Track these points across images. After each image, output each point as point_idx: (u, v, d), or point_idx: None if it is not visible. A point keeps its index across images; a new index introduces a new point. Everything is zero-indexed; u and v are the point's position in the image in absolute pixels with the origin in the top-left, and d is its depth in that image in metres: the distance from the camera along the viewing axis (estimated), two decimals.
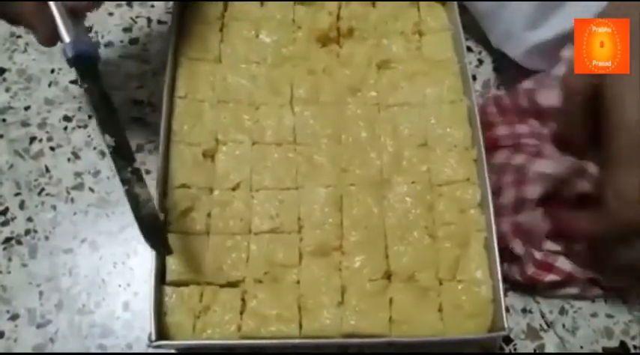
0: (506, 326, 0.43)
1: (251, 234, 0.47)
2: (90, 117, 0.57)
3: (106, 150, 0.44)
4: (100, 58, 0.44)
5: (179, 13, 0.53)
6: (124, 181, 0.40)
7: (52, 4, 0.41)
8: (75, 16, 0.42)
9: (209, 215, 0.47)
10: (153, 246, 0.41)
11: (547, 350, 0.49)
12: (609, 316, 0.51)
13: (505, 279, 0.45)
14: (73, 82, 0.59)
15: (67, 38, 0.41)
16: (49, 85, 0.58)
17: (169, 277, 0.45)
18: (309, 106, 0.51)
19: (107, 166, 0.55)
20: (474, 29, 0.60)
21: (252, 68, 0.53)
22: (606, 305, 0.51)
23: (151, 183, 0.51)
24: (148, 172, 0.54)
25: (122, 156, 0.41)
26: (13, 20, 0.42)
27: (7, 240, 0.52)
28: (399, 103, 0.52)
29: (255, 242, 0.46)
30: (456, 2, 0.55)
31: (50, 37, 0.42)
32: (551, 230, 0.47)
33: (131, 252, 0.52)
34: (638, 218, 0.39)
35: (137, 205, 0.40)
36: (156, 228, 0.41)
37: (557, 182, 0.46)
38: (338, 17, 0.55)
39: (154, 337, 0.41)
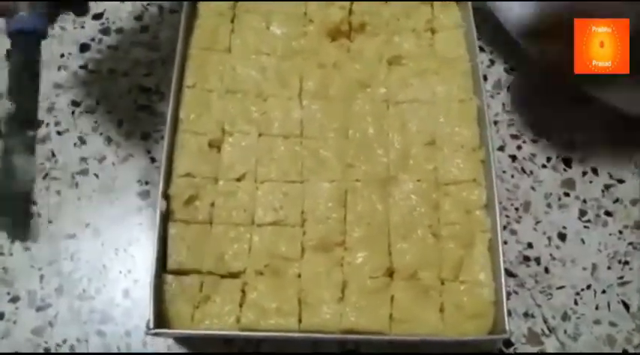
0: (507, 329, 0.42)
1: (254, 225, 0.46)
2: (97, 103, 0.57)
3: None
4: (47, 34, 0.43)
5: (191, 3, 0.53)
6: (8, 150, 0.38)
7: None
8: None
9: (213, 205, 0.47)
10: (13, 225, 0.38)
11: None
12: (612, 324, 0.50)
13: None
14: (82, 67, 0.59)
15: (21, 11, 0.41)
16: (59, 69, 0.59)
17: (170, 265, 0.44)
18: (318, 100, 0.51)
19: (113, 152, 0.55)
20: (486, 29, 0.60)
21: (262, 59, 0.53)
22: (610, 312, 0.51)
23: (157, 171, 0.52)
24: (153, 160, 0.54)
25: (18, 125, 0.39)
26: None
27: None
28: (408, 100, 0.52)
29: (258, 234, 0.46)
30: (469, 1, 0.54)
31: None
32: None
33: (133, 239, 0.52)
34: None
35: (11, 176, 0.38)
36: (19, 207, 0.38)
37: None
38: (350, 12, 0.55)
39: (152, 325, 0.41)
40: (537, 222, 0.54)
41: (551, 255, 0.53)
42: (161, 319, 0.43)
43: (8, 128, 0.40)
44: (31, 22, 0.42)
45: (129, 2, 0.62)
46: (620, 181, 0.56)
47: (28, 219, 0.40)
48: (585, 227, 0.54)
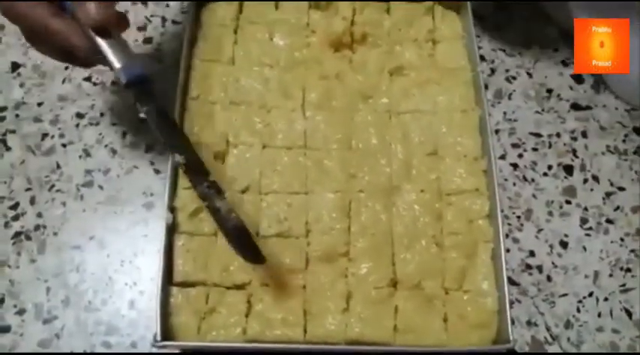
0: (511, 338, 0.42)
1: (259, 237, 0.47)
2: (102, 114, 0.57)
3: (178, 167, 0.44)
4: (153, 78, 0.43)
5: (194, 14, 0.54)
6: (202, 197, 0.41)
7: (99, 40, 0.41)
8: (106, 34, 0.41)
9: None
10: (245, 256, 0.41)
11: None
12: (615, 331, 0.51)
13: None
14: (86, 79, 0.59)
15: (117, 64, 0.41)
16: (63, 82, 0.59)
17: (176, 277, 0.45)
18: (321, 111, 0.51)
19: (117, 164, 0.55)
20: (487, 38, 0.60)
21: (265, 71, 0.53)
22: (612, 320, 0.51)
23: (161, 183, 0.52)
24: (157, 172, 0.55)
25: (196, 172, 0.41)
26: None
27: (17, 234, 0.52)
28: (410, 111, 0.52)
29: (263, 245, 0.46)
30: (470, 11, 0.54)
31: (91, 60, 0.42)
32: None
33: (138, 250, 0.52)
34: None
35: (221, 218, 0.40)
36: (245, 238, 0.40)
37: None
38: (352, 23, 0.55)
39: (159, 337, 0.42)
40: (539, 230, 0.54)
41: (553, 262, 0.53)
42: (167, 331, 0.43)
43: (193, 178, 0.41)
44: (141, 67, 0.42)
45: (132, 13, 0.63)
46: (621, 189, 0.57)
47: (255, 243, 0.41)
48: (587, 235, 0.54)
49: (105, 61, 0.41)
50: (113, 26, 0.42)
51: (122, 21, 0.44)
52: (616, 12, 0.49)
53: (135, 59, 0.42)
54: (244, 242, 0.40)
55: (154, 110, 0.42)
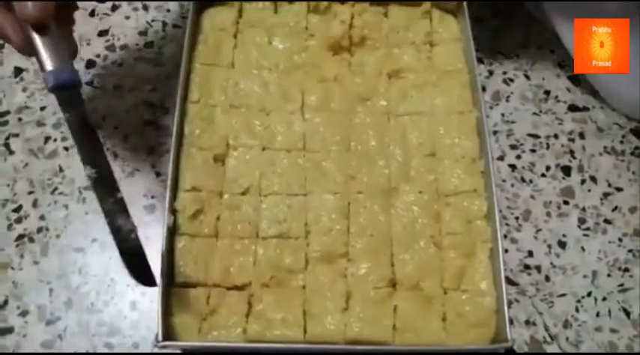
0: (509, 337, 0.43)
1: (259, 238, 0.47)
2: (104, 118, 0.58)
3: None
4: (81, 83, 0.43)
5: (194, 19, 0.54)
6: (106, 213, 0.40)
7: (35, 36, 0.40)
8: (43, 31, 0.40)
9: (218, 218, 0.48)
10: (137, 277, 0.40)
11: None
12: (613, 331, 0.51)
13: None
14: (88, 83, 0.60)
15: (48, 67, 0.40)
16: None
17: (177, 278, 0.45)
18: (320, 114, 0.52)
19: (119, 167, 0.56)
20: (484, 41, 0.61)
21: (265, 74, 0.54)
22: (611, 319, 0.51)
23: (162, 185, 0.53)
24: (158, 174, 0.55)
25: (105, 187, 0.40)
26: None
27: (20, 236, 0.53)
28: (408, 113, 0.53)
29: (263, 246, 0.47)
30: (467, 14, 0.55)
31: (26, 49, 0.41)
32: None
33: None
34: None
35: (120, 237, 0.40)
36: (139, 260, 0.40)
37: None
38: (351, 26, 0.56)
39: (160, 337, 0.42)
40: (537, 231, 0.55)
41: (551, 263, 0.53)
42: (169, 331, 0.43)
43: (100, 193, 0.40)
44: (70, 73, 0.41)
45: (133, 18, 0.63)
46: (619, 189, 0.57)
47: (148, 266, 0.41)
48: (585, 235, 0.55)
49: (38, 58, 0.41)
50: (49, 24, 0.41)
51: (65, 18, 0.43)
52: (591, 12, 0.50)
53: (66, 63, 0.41)
54: (137, 264, 0.40)
55: (76, 118, 0.41)
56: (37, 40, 0.40)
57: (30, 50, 0.41)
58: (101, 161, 0.41)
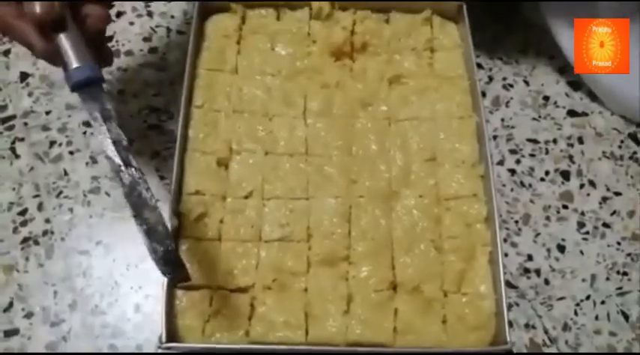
0: (508, 340, 0.43)
1: (261, 241, 0.48)
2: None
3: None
4: (104, 80, 0.43)
5: (198, 25, 0.55)
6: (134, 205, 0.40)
7: (59, 37, 0.40)
8: (58, 28, 0.40)
9: (221, 221, 0.48)
10: (169, 273, 0.40)
11: None
12: (612, 334, 0.51)
13: None
14: None
15: (73, 64, 0.40)
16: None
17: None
18: (322, 119, 0.53)
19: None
20: (484, 47, 0.61)
21: (267, 80, 0.54)
22: (610, 323, 0.52)
23: (166, 189, 0.53)
24: (162, 178, 0.56)
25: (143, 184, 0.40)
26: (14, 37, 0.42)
27: (25, 239, 0.53)
28: (409, 118, 0.53)
29: (265, 249, 0.48)
30: (467, 21, 0.56)
31: (48, 53, 0.41)
32: None
33: (144, 255, 0.52)
34: None
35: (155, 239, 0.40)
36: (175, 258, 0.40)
37: None
38: (352, 32, 0.56)
39: (164, 339, 0.43)
40: (537, 235, 0.55)
41: (550, 266, 0.54)
42: (172, 333, 0.44)
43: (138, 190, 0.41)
44: (93, 71, 0.41)
45: (137, 24, 0.64)
46: (617, 194, 0.57)
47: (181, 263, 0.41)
48: (584, 239, 0.55)
49: (60, 60, 0.41)
50: (64, 21, 0.40)
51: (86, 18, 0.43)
52: (585, 12, 0.50)
53: (88, 61, 0.41)
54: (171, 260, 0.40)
55: (101, 114, 0.41)
56: (59, 40, 0.40)
57: (53, 55, 0.41)
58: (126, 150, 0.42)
